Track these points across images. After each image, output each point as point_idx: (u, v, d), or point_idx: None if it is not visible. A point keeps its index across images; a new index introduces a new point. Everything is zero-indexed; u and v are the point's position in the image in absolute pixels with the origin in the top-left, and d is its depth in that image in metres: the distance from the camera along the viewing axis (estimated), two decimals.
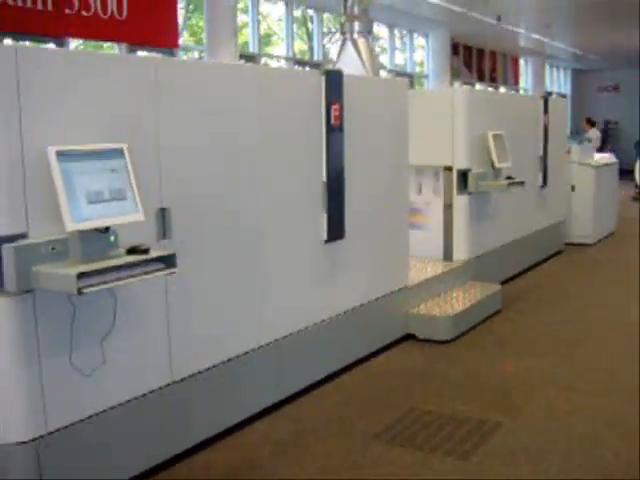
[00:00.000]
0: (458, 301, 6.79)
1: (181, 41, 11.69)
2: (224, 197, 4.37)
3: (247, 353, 4.59)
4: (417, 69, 18.57)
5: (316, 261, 5.20)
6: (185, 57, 12.46)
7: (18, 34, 8.86)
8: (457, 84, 18.53)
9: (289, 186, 4.90)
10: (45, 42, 9.24)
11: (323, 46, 15.23)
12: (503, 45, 20.62)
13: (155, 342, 3.97)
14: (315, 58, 14.86)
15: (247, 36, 13.34)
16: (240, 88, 4.47)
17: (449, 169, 7.40)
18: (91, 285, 3.18)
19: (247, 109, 4.50)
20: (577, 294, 8.14)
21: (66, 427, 3.51)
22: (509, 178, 7.71)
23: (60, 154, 3.23)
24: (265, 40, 15.03)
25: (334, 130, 5.17)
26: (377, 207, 5.88)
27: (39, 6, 8.77)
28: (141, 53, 10.51)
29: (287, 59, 13.90)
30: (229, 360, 4.45)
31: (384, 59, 17.27)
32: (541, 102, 9.31)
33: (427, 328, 6.36)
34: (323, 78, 5.07)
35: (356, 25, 7.95)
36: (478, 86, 20.27)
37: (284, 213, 4.86)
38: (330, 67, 7.38)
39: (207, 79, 4.25)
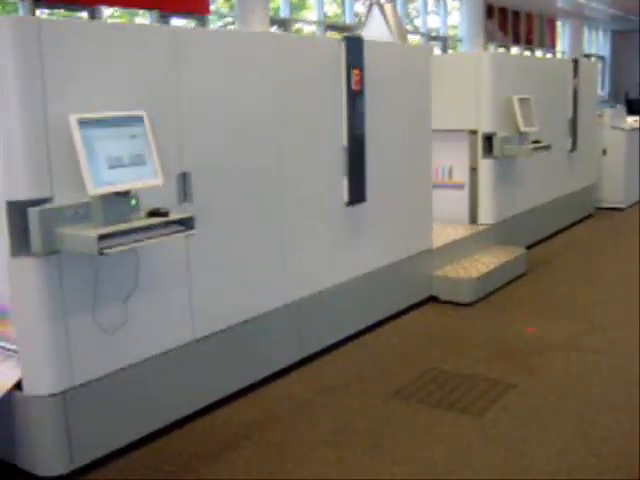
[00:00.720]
0: (482, 264, 6.85)
1: (213, 7, 11.72)
2: (244, 161, 4.49)
3: (268, 313, 4.73)
4: (452, 32, 18.38)
5: (337, 223, 5.30)
6: (216, 24, 12.53)
7: (53, 3, 9.01)
8: (491, 47, 18.32)
9: (309, 150, 4.99)
10: (78, 10, 9.38)
11: (355, 10, 15.17)
12: (540, 7, 20.27)
13: (177, 302, 4.13)
14: (347, 22, 14.80)
15: (279, 1, 13.33)
16: (258, 56, 4.55)
17: (474, 133, 7.41)
18: (111, 246, 3.32)
19: (265, 76, 4.58)
20: (603, 258, 8.14)
21: (91, 382, 3.69)
22: (535, 142, 7.70)
23: (81, 121, 3.36)
24: (300, 4, 15.02)
25: (355, 95, 5.23)
26: (400, 171, 5.95)
27: None
28: (174, 20, 10.62)
29: (319, 23, 13.88)
30: (250, 320, 4.60)
31: (418, 22, 17.16)
32: (571, 65, 9.22)
33: (450, 290, 6.45)
34: (343, 44, 5.12)
35: None
36: (514, 49, 20.00)
37: (305, 177, 4.96)
38: (357, 32, 7.42)
39: (226, 48, 4.34)
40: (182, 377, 4.18)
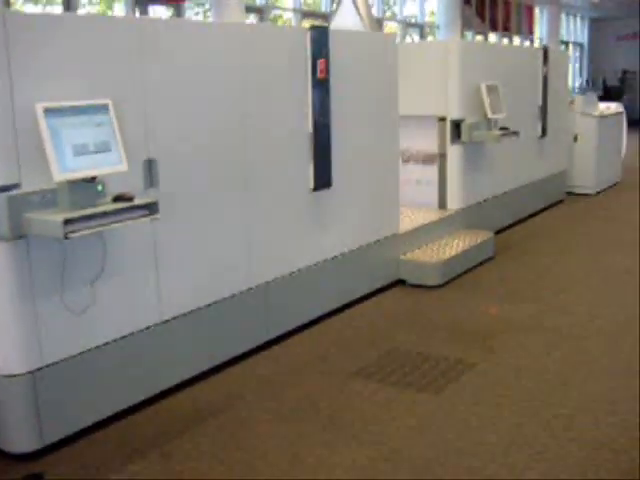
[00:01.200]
0: (449, 248, 7.03)
1: None
2: (210, 148, 4.62)
3: (234, 296, 4.88)
4: (430, 19, 18.49)
5: (303, 208, 5.45)
6: (192, 12, 12.59)
7: None
8: (468, 34, 18.44)
9: (274, 137, 5.12)
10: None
11: None
12: None
13: (144, 285, 4.27)
14: (324, 10, 14.89)
15: None
16: (223, 46, 4.66)
17: (443, 119, 7.57)
18: (76, 230, 3.45)
19: (231, 65, 4.71)
20: (570, 243, 8.33)
21: (59, 362, 3.82)
22: (503, 128, 7.87)
23: (47, 110, 3.48)
24: None
25: (320, 83, 5.37)
26: (366, 156, 6.10)
27: None
28: (151, 9, 10.68)
29: (295, 11, 13.95)
30: (217, 302, 4.74)
31: (396, 9, 17.27)
32: (540, 53, 9.38)
33: (417, 274, 6.63)
34: (308, 34, 5.25)
35: None
36: (491, 36, 20.14)
37: (270, 163, 5.10)
38: (330, 20, 7.53)
39: (191, 38, 4.46)
40: (149, 358, 4.32)
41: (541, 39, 22.83)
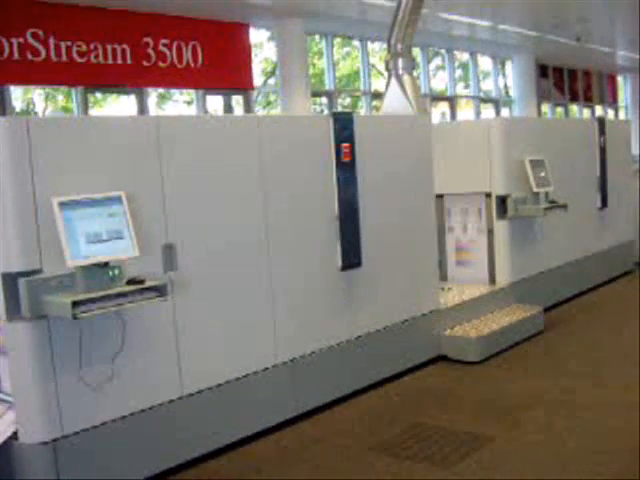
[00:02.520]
0: (493, 323, 7.05)
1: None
2: (232, 232, 4.94)
3: (258, 373, 5.10)
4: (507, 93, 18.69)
5: (331, 288, 5.66)
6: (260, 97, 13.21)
7: (102, 86, 9.89)
8: (547, 107, 18.48)
9: (300, 219, 5.40)
10: (125, 93, 10.23)
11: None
12: (598, 64, 20.35)
13: (164, 360, 4.56)
14: None
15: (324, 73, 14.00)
16: (243, 138, 5.03)
17: (489, 195, 7.69)
18: (85, 311, 3.80)
19: (251, 156, 5.05)
20: (627, 317, 8.12)
21: (79, 432, 4.14)
22: (552, 202, 7.90)
23: (62, 203, 3.89)
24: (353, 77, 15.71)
25: (344, 166, 5.64)
26: (399, 235, 6.27)
27: (119, 61, 9.74)
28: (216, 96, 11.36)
29: (365, 94, 14.45)
30: (239, 378, 4.97)
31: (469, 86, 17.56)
32: (596, 124, 9.39)
33: (457, 349, 6.67)
34: (331, 120, 5.56)
35: (400, 62, 8.37)
36: (572, 107, 20.10)
37: (295, 244, 5.36)
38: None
39: (209, 133, 4.85)
40: (170, 431, 4.58)
41: (626, 107, 22.56)
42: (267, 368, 5.17)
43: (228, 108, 12.84)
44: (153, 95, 12.56)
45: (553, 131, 8.62)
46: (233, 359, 4.96)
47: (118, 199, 4.12)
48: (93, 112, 10.56)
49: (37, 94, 11.32)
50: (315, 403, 5.53)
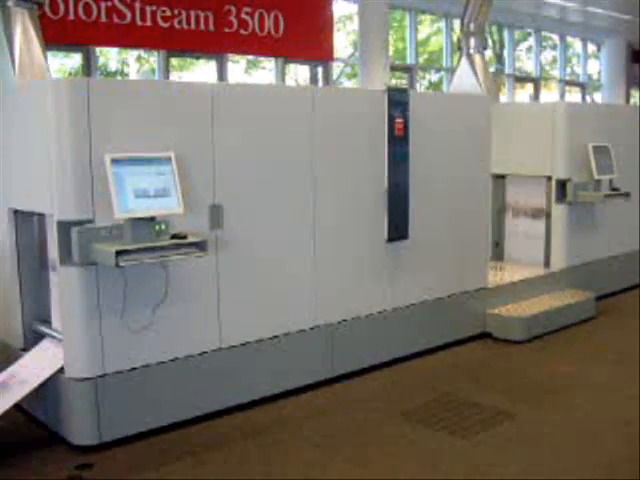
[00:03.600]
0: (542, 305, 7.09)
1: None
2: (280, 195, 5.18)
3: (297, 333, 5.36)
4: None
5: (376, 258, 5.84)
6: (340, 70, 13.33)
7: (184, 51, 10.25)
8: (637, 94, 17.94)
9: (349, 189, 5.59)
10: (207, 58, 10.56)
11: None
12: None
13: (205, 313, 4.86)
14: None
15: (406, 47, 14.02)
16: (296, 107, 5.24)
17: (550, 179, 7.68)
18: (128, 260, 4.12)
19: (303, 126, 5.26)
20: None
21: (120, 372, 4.49)
22: (614, 189, 7.83)
23: (114, 160, 4.20)
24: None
25: (397, 141, 5.79)
26: (449, 212, 6.39)
27: (201, 27, 10.07)
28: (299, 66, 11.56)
29: (446, 70, 14.40)
30: (278, 336, 5.24)
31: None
32: None
33: (501, 328, 6.77)
34: (385, 96, 5.71)
35: (472, 41, 8.42)
36: None
37: (342, 212, 5.56)
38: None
39: (262, 101, 5.08)
40: (207, 380, 4.89)
41: None
42: (304, 330, 5.41)
43: (314, 78, 13.06)
44: (242, 62, 12.91)
45: (620, 118, 8.48)
46: (273, 317, 5.22)
47: (168, 159, 4.41)
48: (174, 76, 10.96)
49: (130, 55, 11.80)
50: (351, 367, 5.75)
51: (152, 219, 4.34)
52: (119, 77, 11.27)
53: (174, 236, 4.40)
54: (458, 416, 5.02)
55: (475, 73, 8.35)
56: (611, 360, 6.21)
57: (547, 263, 7.83)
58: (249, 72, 13.53)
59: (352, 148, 5.60)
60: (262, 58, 11.79)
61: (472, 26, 8.38)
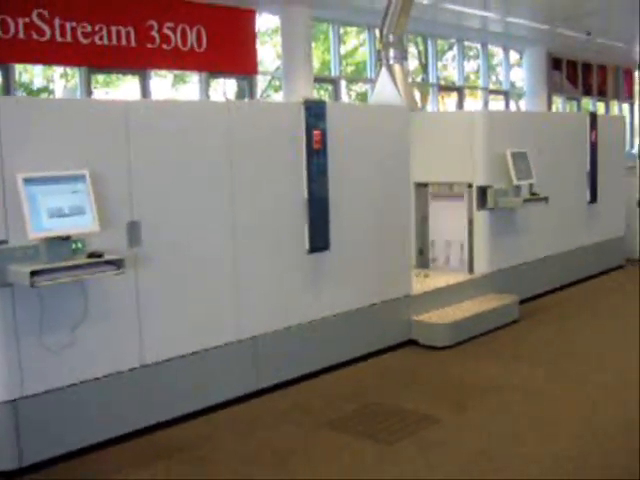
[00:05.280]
0: (465, 310, 7.24)
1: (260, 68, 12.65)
2: (199, 210, 5.18)
3: (220, 347, 5.35)
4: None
5: (298, 269, 5.88)
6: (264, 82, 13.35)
7: (106, 67, 10.16)
8: (558, 100, 18.50)
9: (268, 202, 5.62)
10: (130, 73, 10.49)
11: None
12: (614, 58, 20.26)
13: (126, 330, 4.82)
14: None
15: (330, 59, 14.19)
16: (213, 122, 5.26)
17: (471, 186, 7.86)
18: (42, 281, 4.07)
19: (219, 141, 5.28)
20: (607, 310, 8.28)
21: (40, 394, 4.42)
22: (534, 194, 8.05)
23: (26, 179, 4.15)
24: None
25: (315, 152, 5.85)
26: (371, 221, 6.48)
27: (123, 42, 10.00)
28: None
29: (371, 81, 14.60)
30: (199, 352, 5.22)
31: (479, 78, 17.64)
32: (587, 119, 9.50)
33: (427, 334, 6.89)
34: (302, 107, 5.77)
35: (391, 52, 8.58)
36: (586, 101, 20.07)
37: (262, 225, 5.59)
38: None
39: (177, 117, 5.08)
40: (128, 398, 4.85)
41: None
42: (228, 343, 5.41)
43: (241, 92, 13.09)
44: (169, 77, 12.86)
45: (540, 125, 8.75)
46: (194, 333, 5.21)
47: (82, 177, 4.37)
48: (100, 92, 10.87)
49: (55, 72, 11.64)
50: (277, 379, 5.77)
51: (67, 238, 4.30)
52: (44, 94, 11.11)
53: (91, 255, 4.37)
54: (383, 423, 5.10)
55: (395, 83, 8.50)
56: (534, 362, 6.38)
57: (471, 269, 8.00)
58: (176, 87, 13.50)
59: (271, 161, 5.65)
60: (186, 73, 11.76)
61: (391, 37, 8.54)
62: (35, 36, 9.20)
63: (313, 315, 6.03)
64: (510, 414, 5.20)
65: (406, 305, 6.91)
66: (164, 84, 13.22)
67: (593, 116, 9.60)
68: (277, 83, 14.11)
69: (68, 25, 9.48)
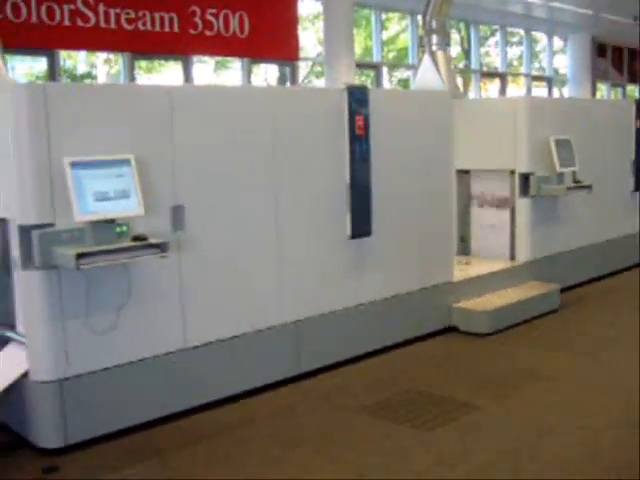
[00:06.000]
0: (506, 298, 7.20)
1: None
2: (242, 196, 5.22)
3: (263, 330, 5.40)
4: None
5: (339, 254, 5.90)
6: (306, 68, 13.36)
7: (149, 53, 10.25)
8: (603, 87, 18.18)
9: (311, 187, 5.64)
10: (172, 59, 10.57)
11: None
12: None
13: (169, 313, 4.89)
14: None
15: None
16: (256, 107, 5.29)
17: (514, 173, 7.79)
18: (88, 263, 4.14)
19: (264, 124, 5.30)
20: None
21: (84, 374, 4.51)
22: (577, 182, 7.95)
23: (73, 163, 4.22)
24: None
25: (358, 138, 5.85)
26: (413, 207, 6.46)
27: (166, 28, 10.07)
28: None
29: (412, 67, 14.50)
30: (243, 335, 5.27)
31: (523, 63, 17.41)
32: (632, 107, 9.33)
33: (467, 321, 6.86)
34: (345, 93, 5.76)
35: (434, 38, 8.51)
36: (631, 88, 19.69)
37: (304, 210, 5.61)
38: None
39: (220, 102, 5.11)
40: (173, 379, 4.92)
41: None
42: (270, 327, 5.46)
43: (283, 78, 13.10)
44: (211, 63, 12.92)
45: (584, 112, 8.61)
46: (237, 316, 5.26)
47: (127, 161, 4.43)
48: (142, 78, 10.97)
49: (98, 58, 11.77)
50: (318, 364, 5.80)
51: (112, 221, 4.37)
52: (88, 80, 11.24)
53: (135, 238, 4.43)
54: (423, 409, 5.10)
55: (438, 70, 8.44)
56: (575, 351, 6.32)
57: (512, 256, 7.94)
58: (217, 73, 13.57)
59: (314, 146, 5.66)
60: (228, 59, 11.80)
61: (434, 23, 8.48)
62: (80, 22, 9.31)
63: (354, 300, 6.04)
64: (550, 403, 5.16)
65: (447, 292, 6.89)
66: (206, 70, 13.30)
67: (639, 103, 9.42)
68: (318, 69, 14.10)
69: (112, 11, 9.58)
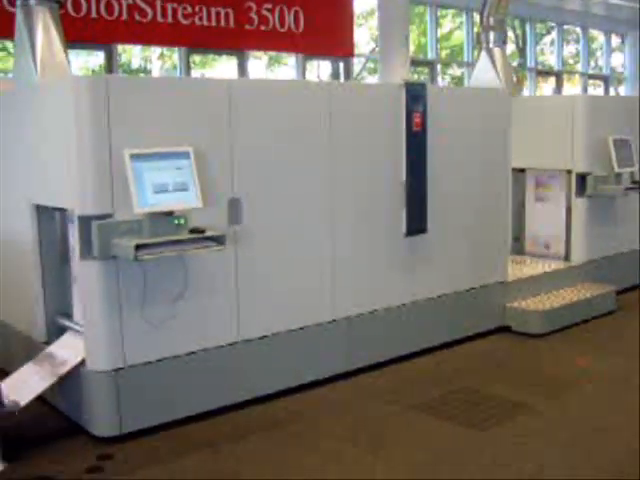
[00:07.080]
0: (561, 298, 7.08)
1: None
2: (298, 191, 5.22)
3: (315, 325, 5.39)
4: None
5: (394, 252, 5.86)
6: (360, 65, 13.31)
7: (205, 48, 10.33)
8: None
9: (367, 184, 5.61)
10: (227, 54, 10.63)
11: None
12: None
13: (224, 306, 4.91)
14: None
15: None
16: (313, 103, 5.28)
17: (570, 172, 7.65)
18: (146, 255, 4.18)
19: (320, 119, 5.29)
20: None
21: (139, 364, 4.56)
22: (635, 183, 7.78)
23: (133, 155, 4.26)
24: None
25: (415, 135, 5.80)
26: (469, 206, 6.38)
27: (222, 24, 10.14)
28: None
29: (467, 64, 14.36)
30: (296, 329, 5.28)
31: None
32: None
33: (521, 321, 6.76)
34: (403, 89, 5.72)
35: (492, 35, 8.39)
36: None
37: (360, 207, 5.59)
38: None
39: (278, 97, 5.11)
40: (225, 373, 4.94)
41: None
42: (322, 323, 5.45)
43: (336, 74, 13.09)
44: (264, 58, 12.98)
45: None
46: (290, 311, 5.26)
47: (186, 154, 4.47)
48: (196, 73, 11.06)
49: (153, 52, 11.92)
50: (369, 361, 5.78)
51: (171, 213, 4.40)
52: (142, 74, 11.38)
53: (193, 230, 4.46)
54: (475, 409, 5.04)
55: (495, 67, 8.31)
56: (630, 354, 6.18)
57: (567, 257, 7.80)
58: (271, 68, 13.63)
59: (370, 143, 5.63)
60: (282, 54, 11.83)
61: (492, 20, 8.35)
62: (137, 17, 9.43)
63: (408, 298, 6.00)
64: (604, 405, 5.06)
65: (501, 291, 6.80)
66: (259, 65, 13.36)
67: None
68: (371, 66, 14.06)
69: (169, 6, 9.68)
